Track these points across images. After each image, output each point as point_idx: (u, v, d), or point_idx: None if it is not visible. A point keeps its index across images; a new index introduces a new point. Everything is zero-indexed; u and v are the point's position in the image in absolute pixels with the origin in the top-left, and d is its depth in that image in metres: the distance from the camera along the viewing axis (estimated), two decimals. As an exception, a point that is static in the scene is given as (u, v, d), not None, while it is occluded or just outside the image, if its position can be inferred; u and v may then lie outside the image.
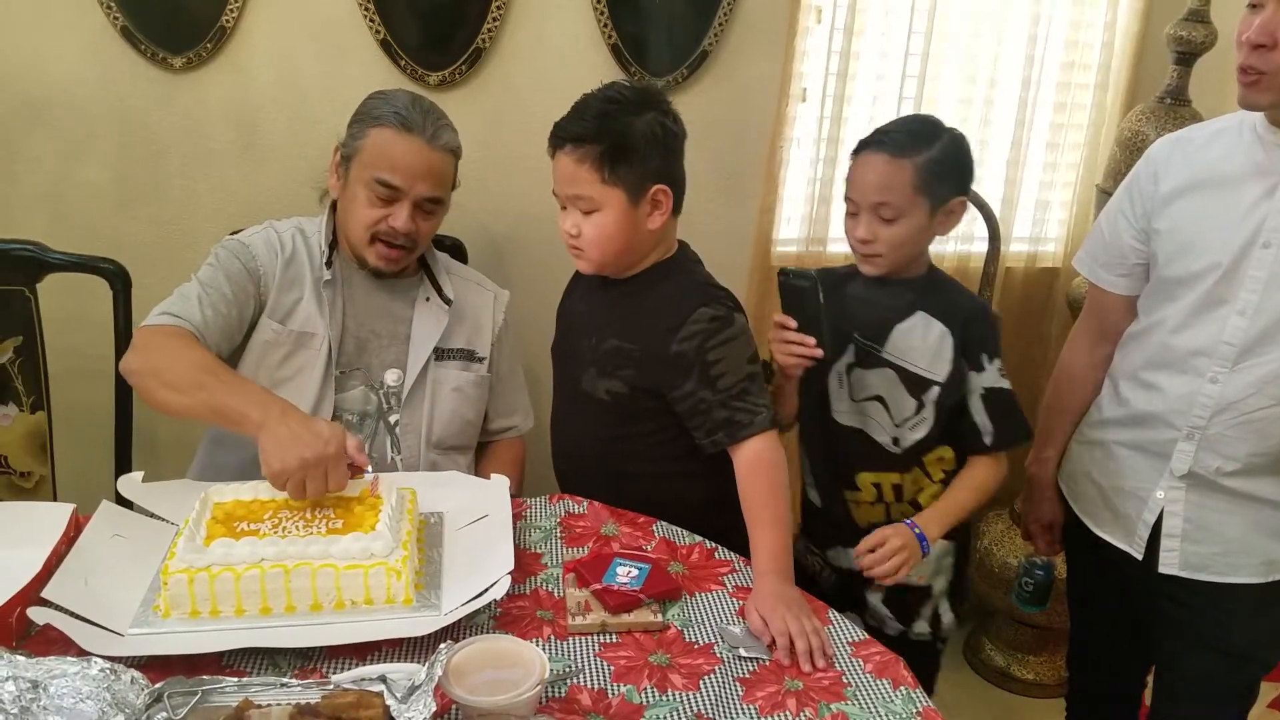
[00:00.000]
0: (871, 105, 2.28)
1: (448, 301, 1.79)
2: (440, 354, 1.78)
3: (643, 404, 1.59)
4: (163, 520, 1.47)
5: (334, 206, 1.77)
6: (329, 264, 1.72)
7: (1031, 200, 2.45)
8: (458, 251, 2.04)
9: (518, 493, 1.81)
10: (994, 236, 2.26)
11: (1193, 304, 1.51)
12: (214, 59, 2.05)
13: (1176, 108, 2.15)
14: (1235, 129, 1.51)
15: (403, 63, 2.10)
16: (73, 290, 1.86)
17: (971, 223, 2.38)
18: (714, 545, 1.51)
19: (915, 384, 1.62)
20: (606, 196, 1.50)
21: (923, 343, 1.61)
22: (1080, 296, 2.27)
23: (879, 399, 1.65)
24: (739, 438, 1.49)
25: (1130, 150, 2.16)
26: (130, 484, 1.51)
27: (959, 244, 2.40)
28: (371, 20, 2.06)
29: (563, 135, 1.51)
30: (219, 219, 2.06)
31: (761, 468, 1.47)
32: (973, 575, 2.51)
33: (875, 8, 2.22)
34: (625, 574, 1.35)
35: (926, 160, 1.53)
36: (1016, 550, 2.42)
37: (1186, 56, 2.12)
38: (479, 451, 1.91)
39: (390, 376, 1.75)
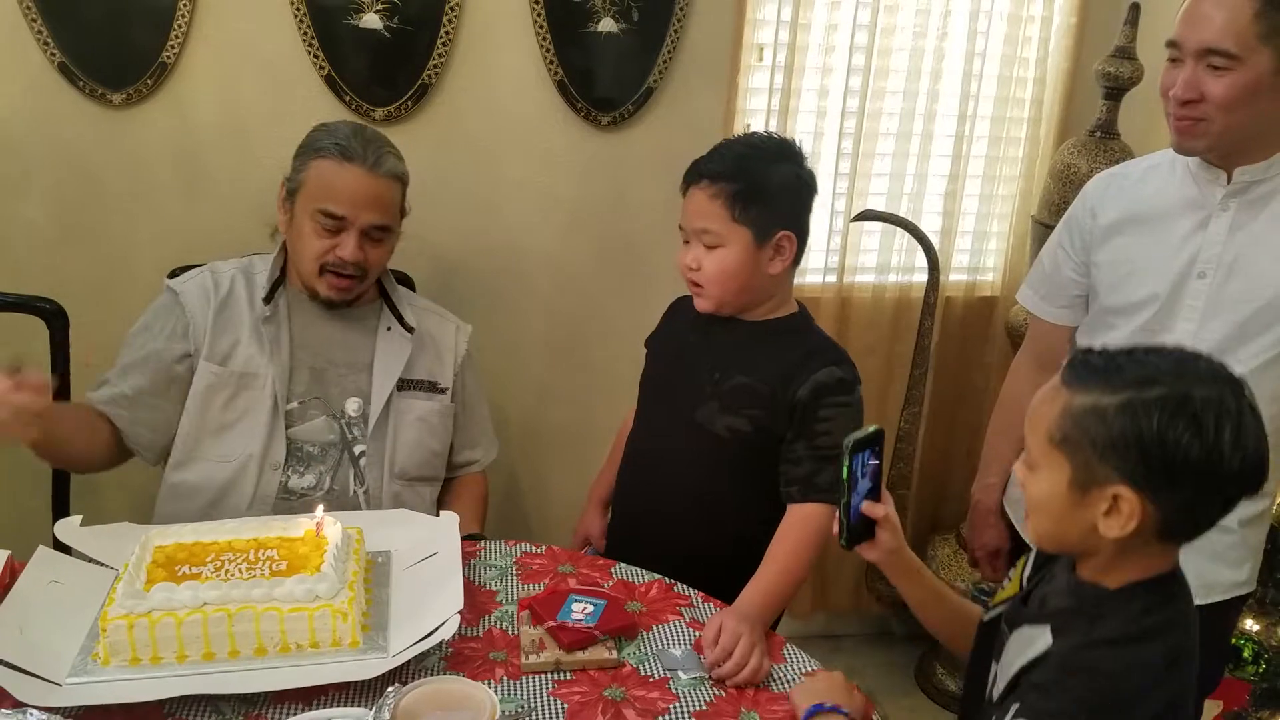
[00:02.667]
0: (814, 140, 2.32)
1: (409, 329, 1.78)
2: (403, 384, 1.76)
3: (762, 445, 1.58)
4: (102, 565, 1.44)
5: (283, 247, 1.76)
6: (269, 300, 1.71)
7: (969, 231, 2.50)
8: (405, 284, 2.03)
9: (481, 531, 1.82)
10: (933, 267, 2.31)
11: (1131, 334, 1.55)
12: (155, 95, 2.03)
13: (1106, 140, 2.22)
14: (1168, 165, 1.57)
15: (348, 98, 2.10)
16: (8, 330, 1.82)
17: (912, 254, 2.43)
18: (672, 581, 1.52)
19: None
20: (733, 234, 1.52)
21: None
22: (1019, 325, 2.32)
23: None
24: (809, 497, 1.53)
25: (1063, 182, 2.22)
26: (68, 528, 1.48)
27: (900, 275, 2.45)
28: (315, 56, 2.05)
29: (699, 171, 1.55)
30: (160, 257, 2.03)
31: (809, 527, 1.51)
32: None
33: (815, 46, 2.26)
34: (580, 610, 1.35)
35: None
36: (964, 574, 2.46)
37: (1114, 91, 2.19)
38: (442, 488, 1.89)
39: (351, 406, 1.73)
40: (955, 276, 2.49)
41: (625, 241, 2.33)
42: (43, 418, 1.37)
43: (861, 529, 1.23)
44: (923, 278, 2.41)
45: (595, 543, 1.85)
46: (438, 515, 1.81)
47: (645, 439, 1.74)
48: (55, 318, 1.80)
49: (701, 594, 1.48)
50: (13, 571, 1.35)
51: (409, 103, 2.12)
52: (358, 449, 1.73)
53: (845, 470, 1.18)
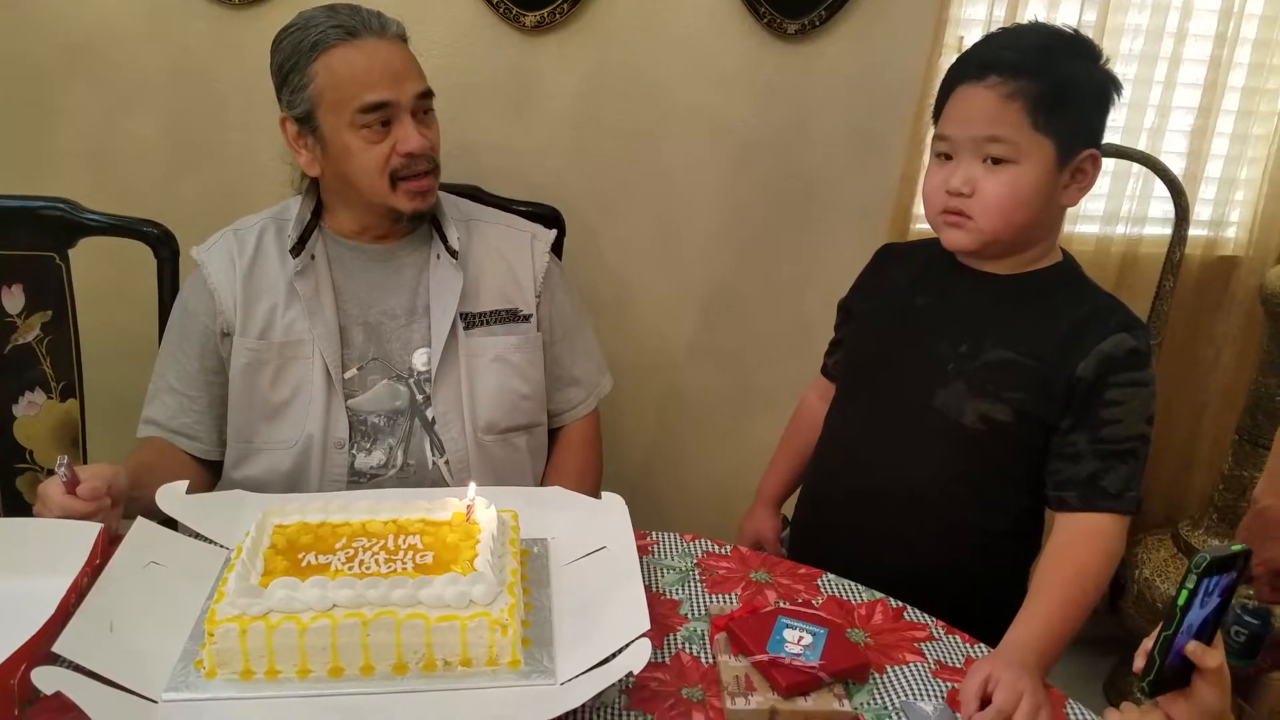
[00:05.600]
0: (1038, 61, 1.94)
1: (454, 253, 1.47)
2: (470, 320, 1.47)
3: (1025, 437, 1.26)
4: (211, 542, 1.20)
5: (314, 185, 1.48)
6: (297, 251, 1.43)
7: (1215, 178, 2.10)
8: (554, 221, 1.74)
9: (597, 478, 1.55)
10: (1181, 218, 1.92)
11: None
12: (280, -8, 1.77)
13: None
14: None
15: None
16: (111, 257, 1.60)
17: (1145, 201, 2.04)
18: (900, 604, 1.19)
19: None
20: (1034, 147, 1.18)
21: None
22: (1279, 291, 1.92)
23: None
24: (1095, 506, 1.20)
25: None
26: (170, 495, 1.25)
27: (1130, 226, 2.06)
28: (461, -50, 1.76)
29: (985, 62, 1.19)
30: (280, 182, 1.78)
31: (1091, 544, 1.19)
32: (1129, 609, 2.18)
33: (1048, -55, 1.88)
34: (796, 640, 1.05)
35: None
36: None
37: None
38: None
39: (419, 359, 1.46)
40: (1194, 231, 2.08)
41: (805, 177, 2.00)
42: (111, 511, 1.20)
43: (1175, 673, 0.90)
44: (1156, 231, 2.02)
45: (769, 549, 1.54)
46: (542, 466, 1.59)
47: (856, 428, 1.40)
48: (163, 244, 1.58)
49: (943, 624, 1.16)
50: (105, 548, 1.12)
51: (565, 6, 1.82)
52: (430, 412, 1.46)
53: (1184, 594, 0.86)
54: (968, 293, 1.29)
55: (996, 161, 1.19)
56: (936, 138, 1.25)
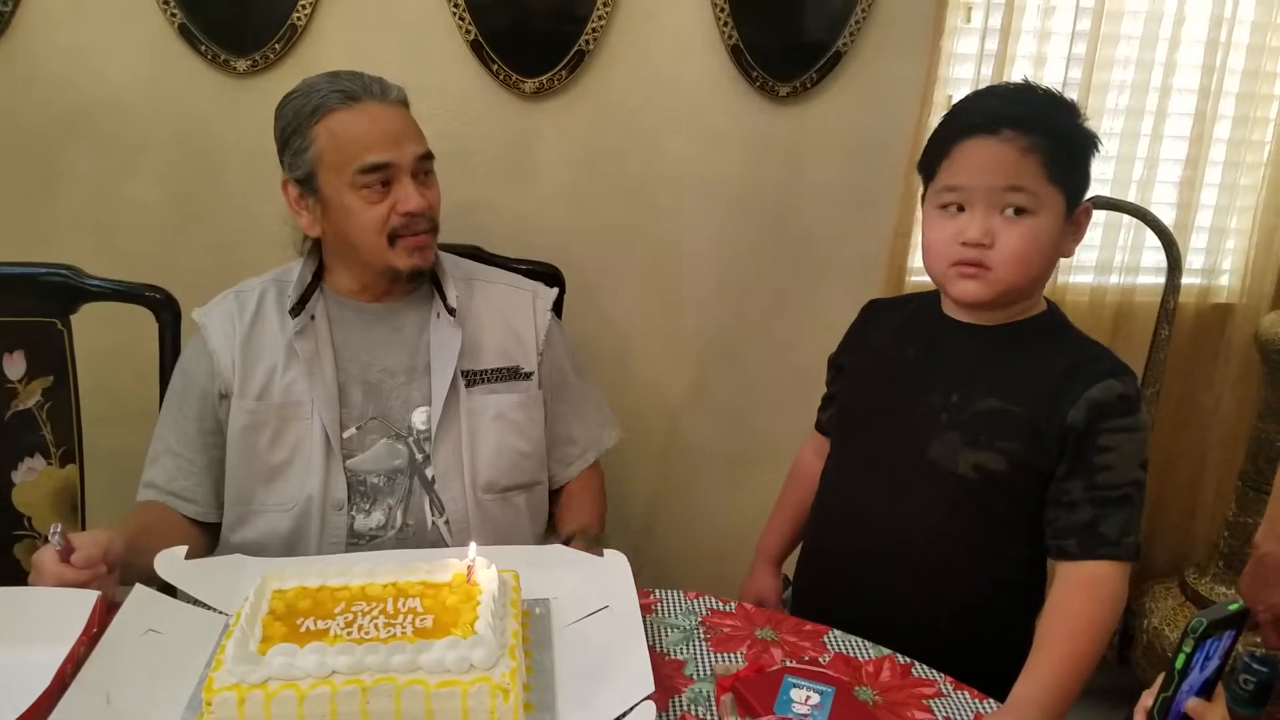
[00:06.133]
0: (1026, 117, 1.97)
1: (452, 311, 1.48)
2: (471, 377, 1.48)
3: (1020, 486, 1.25)
4: (210, 609, 1.19)
5: (315, 246, 1.49)
6: (296, 311, 1.44)
7: (1205, 227, 2.13)
8: (555, 279, 1.76)
9: (600, 529, 1.53)
10: (1174, 266, 1.94)
11: None
12: (283, 62, 1.81)
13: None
14: None
15: (494, 67, 1.84)
16: (112, 322, 1.60)
17: (1138, 251, 2.07)
18: (909, 660, 1.18)
19: None
20: (1050, 198, 1.19)
21: None
22: (1274, 338, 1.93)
23: None
24: (1094, 554, 1.19)
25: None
26: (169, 561, 1.23)
27: (1123, 276, 2.08)
28: (461, 19, 1.80)
29: (1000, 116, 1.20)
30: (282, 244, 1.80)
31: (1093, 593, 1.18)
32: (1139, 660, 2.16)
33: (1033, 7, 1.93)
34: (803, 700, 1.04)
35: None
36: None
37: None
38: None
39: (418, 418, 1.46)
40: (1187, 280, 2.10)
41: (799, 233, 2.03)
42: (108, 578, 1.19)
43: None
44: (1149, 280, 2.05)
45: (771, 608, 1.52)
46: (548, 525, 1.57)
47: (852, 482, 1.39)
48: (165, 308, 1.58)
49: (951, 679, 1.15)
50: (103, 616, 1.11)
51: (563, 73, 1.85)
52: (429, 471, 1.46)
53: (1181, 657, 0.86)
54: (955, 343, 1.30)
55: (1018, 212, 1.20)
56: (944, 189, 1.24)
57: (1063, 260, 1.98)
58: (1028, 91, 1.24)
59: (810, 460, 1.53)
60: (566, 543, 1.34)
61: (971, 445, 1.25)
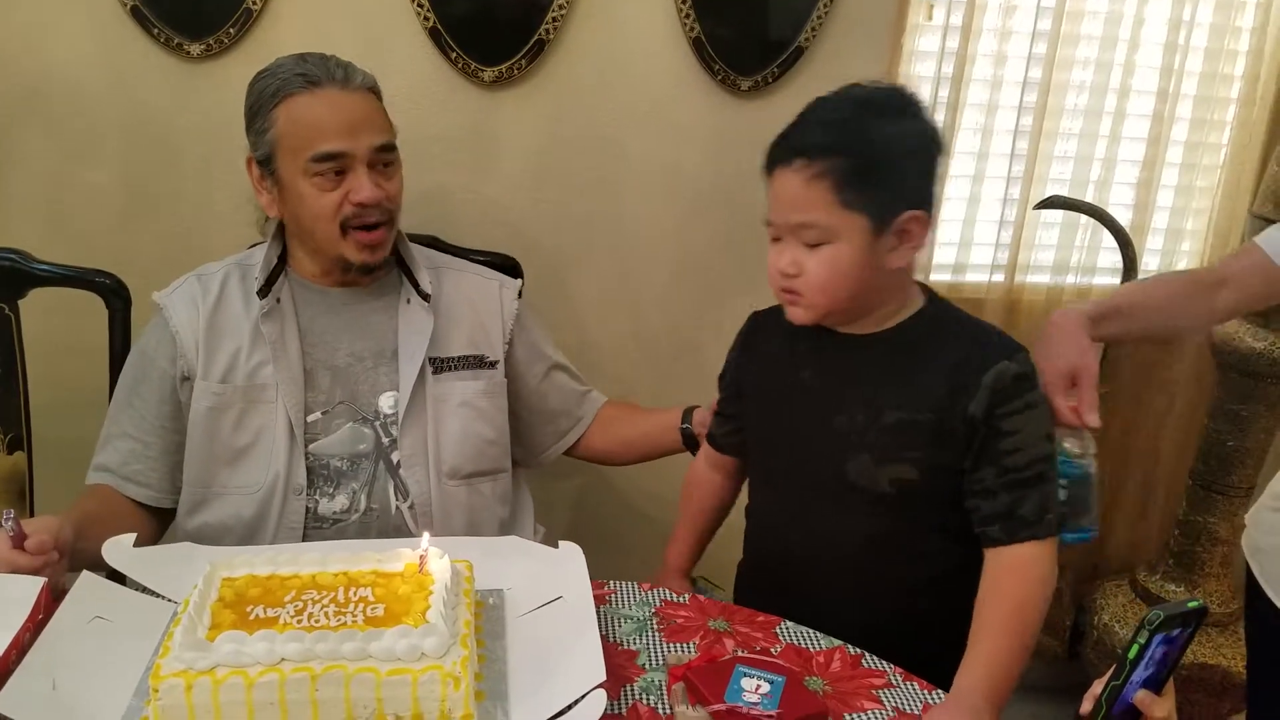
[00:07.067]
0: (986, 115, 1.99)
1: (425, 297, 1.48)
2: (438, 365, 1.48)
3: (940, 488, 1.25)
4: (158, 596, 1.18)
5: (280, 230, 1.49)
6: (264, 293, 1.43)
7: (1162, 228, 2.16)
8: (514, 271, 1.75)
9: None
10: (1129, 267, 1.96)
11: None
12: (237, 47, 1.77)
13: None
14: None
15: (453, 55, 1.82)
16: (62, 309, 1.58)
17: (1094, 252, 2.09)
18: (858, 651, 1.19)
19: None
20: (844, 225, 1.17)
21: None
22: (1226, 340, 1.97)
23: None
24: (1017, 537, 1.19)
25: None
26: (117, 549, 1.22)
27: (1079, 276, 2.10)
28: (420, 5, 1.78)
29: (790, 147, 1.19)
30: (238, 233, 1.77)
31: (1020, 575, 1.19)
32: (1089, 655, 2.19)
33: (995, 5, 1.94)
34: (753, 688, 1.04)
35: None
36: (1140, 629, 2.10)
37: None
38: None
39: (385, 402, 1.46)
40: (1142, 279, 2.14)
41: (758, 226, 2.00)
42: (57, 565, 1.18)
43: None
44: (1105, 281, 2.07)
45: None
46: (507, 512, 1.58)
47: (777, 509, 1.38)
48: (115, 295, 1.56)
49: (901, 670, 1.16)
50: (48, 602, 1.09)
51: (523, 62, 1.84)
52: (395, 455, 1.45)
53: (1134, 648, 0.86)
54: (848, 358, 1.29)
55: (813, 244, 1.19)
56: (765, 222, 1.25)
57: (1019, 259, 2.05)
58: (836, 105, 1.21)
59: (704, 471, 1.52)
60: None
61: (885, 462, 1.25)
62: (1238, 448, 2.02)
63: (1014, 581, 1.19)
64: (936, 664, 1.17)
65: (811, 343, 1.31)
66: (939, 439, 1.23)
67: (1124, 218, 2.06)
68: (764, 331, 1.41)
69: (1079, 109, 2.02)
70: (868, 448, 1.26)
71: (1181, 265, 2.19)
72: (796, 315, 1.26)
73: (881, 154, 1.17)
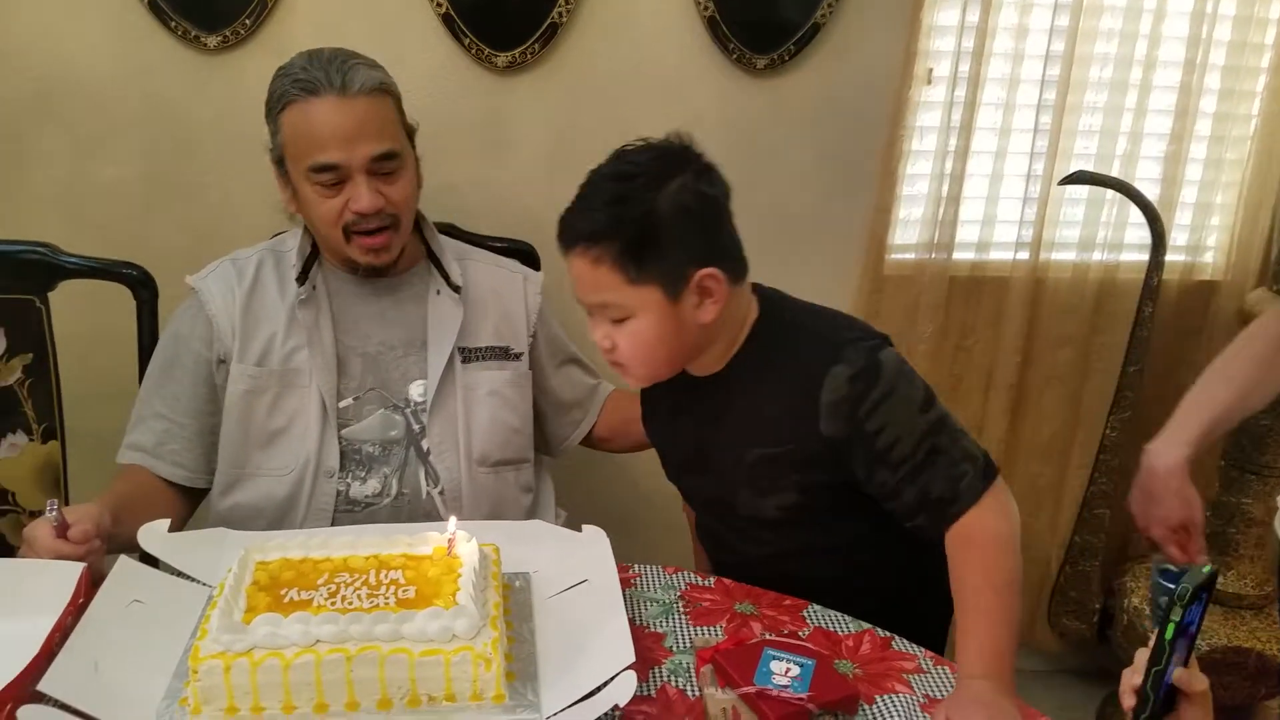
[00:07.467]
0: (1008, 89, 1.97)
1: (455, 289, 1.50)
2: (467, 354, 1.50)
3: (827, 497, 1.26)
4: (193, 580, 1.20)
5: None
6: (302, 279, 1.45)
7: (1190, 203, 2.13)
8: (529, 257, 1.75)
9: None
10: (1158, 243, 1.94)
11: None
12: (253, 38, 1.78)
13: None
14: None
15: (466, 41, 1.82)
16: (90, 300, 1.59)
17: (1121, 228, 2.07)
18: (888, 634, 1.19)
19: None
20: (638, 300, 1.17)
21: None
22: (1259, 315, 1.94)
23: None
24: (947, 519, 1.18)
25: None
26: (152, 534, 1.24)
27: (1106, 253, 2.08)
28: (434, -9, 1.78)
29: (571, 233, 1.19)
30: (258, 221, 1.79)
31: (973, 548, 1.16)
32: (1119, 639, 2.17)
33: (1015, -23, 1.91)
34: (783, 672, 1.04)
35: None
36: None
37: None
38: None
39: (415, 390, 1.47)
40: (1171, 256, 2.10)
41: (777, 208, 2.01)
42: (98, 551, 1.19)
43: (1165, 701, 0.89)
44: (1132, 257, 2.05)
45: None
46: (530, 500, 1.59)
47: (704, 529, 1.47)
48: (142, 285, 1.58)
49: (931, 655, 1.15)
50: (88, 588, 1.11)
51: (536, 46, 1.84)
52: (425, 443, 1.46)
53: (1172, 626, 0.85)
54: (700, 410, 1.30)
55: (617, 320, 1.19)
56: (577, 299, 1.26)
57: (1044, 236, 2.03)
58: (594, 192, 1.20)
59: None
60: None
61: (766, 494, 1.26)
62: (1271, 427, 1.98)
63: (969, 555, 1.17)
64: (912, 626, 1.21)
65: (675, 388, 1.31)
66: (807, 464, 1.23)
67: (1151, 192, 2.03)
68: (648, 390, 1.42)
69: (1103, 81, 1.99)
70: (744, 484, 1.28)
71: (1211, 241, 2.16)
72: (630, 382, 1.29)
73: (652, 226, 1.15)
